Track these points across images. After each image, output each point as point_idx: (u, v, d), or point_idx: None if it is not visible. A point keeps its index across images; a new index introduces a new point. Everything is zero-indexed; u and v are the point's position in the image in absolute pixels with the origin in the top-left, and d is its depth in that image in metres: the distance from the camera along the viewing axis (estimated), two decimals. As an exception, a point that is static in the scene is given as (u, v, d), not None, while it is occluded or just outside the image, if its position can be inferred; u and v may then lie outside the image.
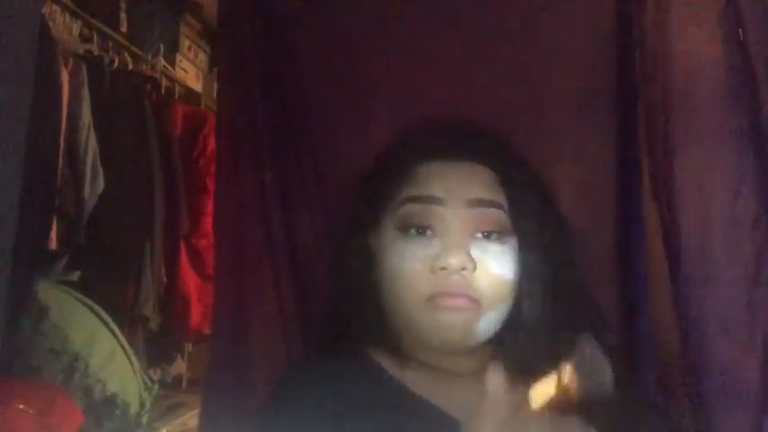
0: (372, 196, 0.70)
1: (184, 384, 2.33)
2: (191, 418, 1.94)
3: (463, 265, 0.61)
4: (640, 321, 0.84)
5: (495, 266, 0.62)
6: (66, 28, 1.72)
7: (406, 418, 0.62)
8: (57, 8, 1.68)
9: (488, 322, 0.63)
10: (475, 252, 0.62)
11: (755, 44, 0.77)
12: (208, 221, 2.13)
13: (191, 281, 2.13)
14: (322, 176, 0.96)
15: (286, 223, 0.95)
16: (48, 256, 1.50)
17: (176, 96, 2.29)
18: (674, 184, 0.80)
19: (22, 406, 1.02)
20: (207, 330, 2.12)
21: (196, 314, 2.12)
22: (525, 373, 0.56)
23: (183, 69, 2.35)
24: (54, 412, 1.08)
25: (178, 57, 2.30)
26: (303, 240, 0.95)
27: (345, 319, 0.71)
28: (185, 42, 2.36)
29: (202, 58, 2.52)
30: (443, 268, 0.61)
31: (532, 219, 0.65)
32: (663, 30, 0.83)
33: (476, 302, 0.61)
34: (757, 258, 0.77)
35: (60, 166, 1.49)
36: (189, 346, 2.33)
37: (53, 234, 1.50)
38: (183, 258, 2.12)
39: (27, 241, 1.28)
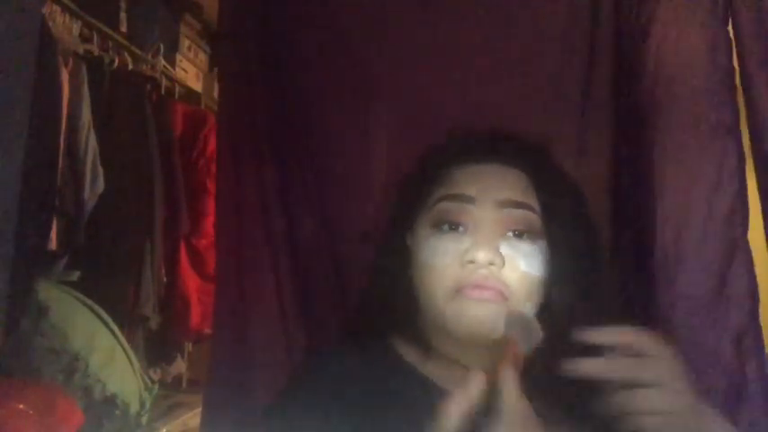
0: (410, 197, 0.72)
1: (184, 384, 2.33)
2: (191, 418, 1.94)
3: (491, 260, 0.63)
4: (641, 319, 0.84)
5: (523, 264, 0.64)
6: (66, 28, 1.71)
7: (425, 406, 0.62)
8: (57, 8, 1.67)
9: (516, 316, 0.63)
10: (504, 249, 0.64)
11: (748, 44, 0.77)
12: (208, 221, 2.13)
13: (191, 281, 2.13)
14: (322, 176, 0.97)
15: (286, 223, 0.95)
16: (48, 256, 1.50)
17: (176, 96, 2.29)
18: (653, 174, 0.81)
19: (22, 406, 1.02)
20: (207, 330, 2.12)
21: (196, 314, 2.12)
22: (548, 374, 0.57)
23: (183, 69, 2.34)
24: (54, 412, 1.08)
25: (178, 57, 2.30)
26: (303, 240, 0.95)
27: (373, 312, 0.73)
28: (185, 42, 2.36)
29: (202, 58, 2.51)
30: (471, 262, 0.63)
31: (563, 222, 0.67)
32: (654, 25, 0.83)
33: (502, 295, 0.63)
34: (729, 251, 0.78)
35: (60, 166, 1.49)
36: (189, 346, 2.33)
37: (53, 234, 1.50)
38: (183, 258, 2.12)
39: (27, 241, 1.28)
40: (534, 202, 0.67)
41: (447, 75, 0.93)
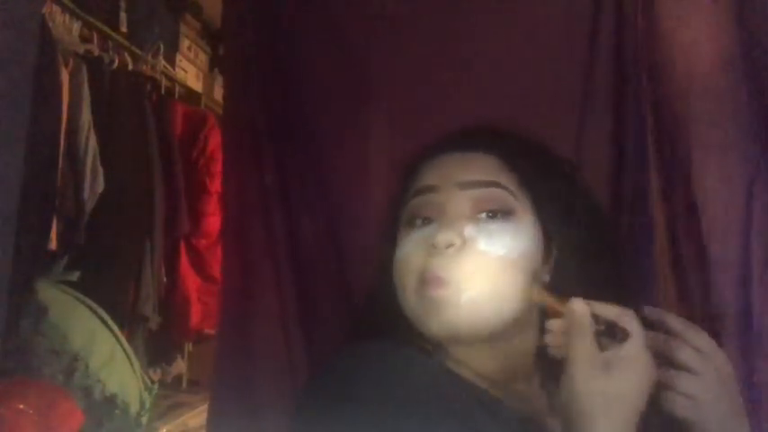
0: (392, 202, 0.71)
1: (184, 384, 2.33)
2: (191, 418, 1.95)
3: (450, 241, 0.60)
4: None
5: (483, 244, 0.61)
6: (66, 28, 1.72)
7: (457, 398, 0.59)
8: (57, 8, 1.68)
9: (479, 304, 0.60)
10: (469, 231, 0.61)
11: (757, 41, 0.77)
12: (208, 221, 2.14)
13: (191, 281, 2.13)
14: (323, 177, 0.97)
15: (287, 223, 0.95)
16: (48, 256, 1.50)
17: (176, 96, 2.29)
18: (691, 183, 0.81)
19: (22, 406, 1.02)
20: (207, 330, 2.12)
21: (196, 314, 2.12)
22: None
23: (183, 69, 2.35)
24: (54, 412, 1.08)
25: (178, 57, 2.30)
26: (304, 241, 0.95)
27: (375, 318, 0.70)
28: (185, 42, 2.36)
29: (202, 58, 2.52)
30: (434, 246, 0.61)
31: (550, 202, 0.65)
32: (671, 26, 0.83)
33: (455, 284, 0.60)
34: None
35: (60, 166, 1.49)
36: (189, 346, 2.34)
37: (53, 234, 1.50)
38: (183, 258, 2.12)
39: (27, 241, 1.28)
40: (506, 181, 0.64)
41: (447, 74, 0.93)
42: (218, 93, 2.51)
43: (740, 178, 0.79)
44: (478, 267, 0.60)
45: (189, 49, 2.39)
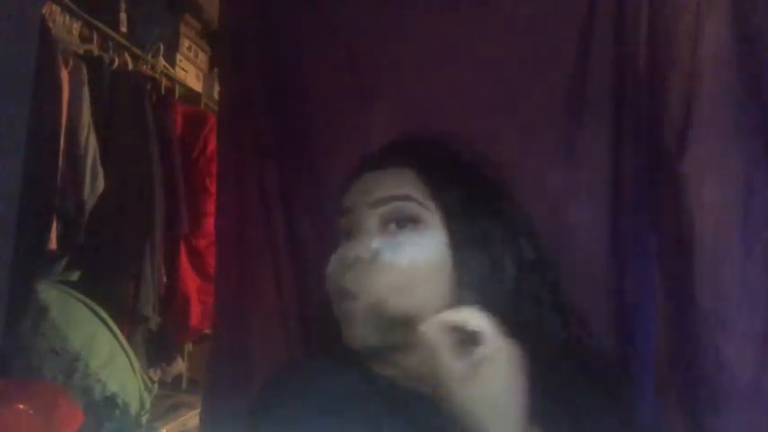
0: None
1: (184, 384, 2.33)
2: (191, 418, 1.94)
3: (357, 256, 0.64)
4: (641, 325, 0.83)
5: (390, 255, 0.64)
6: (66, 28, 1.72)
7: (394, 410, 0.62)
8: (57, 8, 1.68)
9: (385, 314, 0.63)
10: (377, 244, 0.65)
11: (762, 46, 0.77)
12: (208, 221, 2.13)
13: (191, 281, 2.13)
14: (322, 176, 0.97)
15: (286, 222, 0.95)
16: (48, 256, 1.50)
17: (176, 96, 2.29)
18: (688, 182, 0.80)
19: (22, 406, 1.02)
20: (207, 330, 2.12)
21: (196, 314, 2.12)
22: None
23: (183, 69, 2.35)
24: (54, 412, 1.08)
25: (178, 57, 2.30)
26: (303, 239, 0.95)
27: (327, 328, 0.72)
28: (185, 42, 2.36)
29: (202, 58, 2.52)
30: (345, 262, 0.65)
31: (460, 213, 0.66)
32: (673, 24, 0.83)
33: (362, 296, 0.63)
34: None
35: (60, 166, 1.49)
36: (189, 346, 2.34)
37: (53, 234, 1.50)
38: (183, 258, 2.12)
39: (27, 241, 1.28)
40: (417, 193, 0.66)
41: (446, 75, 0.93)
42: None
43: (737, 184, 0.79)
44: (385, 279, 0.63)
45: (189, 49, 2.39)
